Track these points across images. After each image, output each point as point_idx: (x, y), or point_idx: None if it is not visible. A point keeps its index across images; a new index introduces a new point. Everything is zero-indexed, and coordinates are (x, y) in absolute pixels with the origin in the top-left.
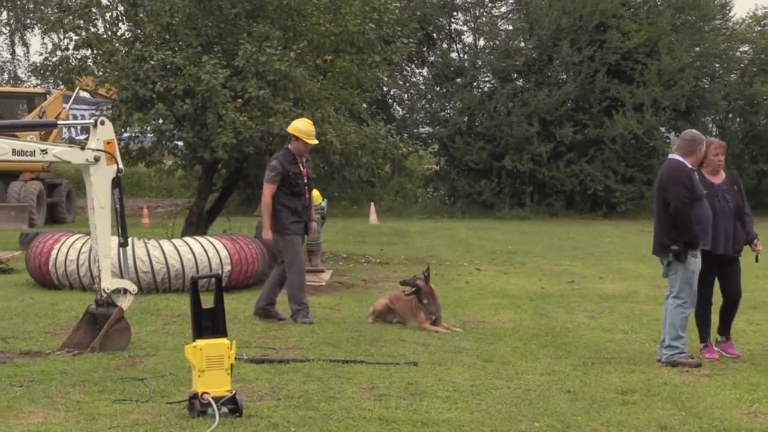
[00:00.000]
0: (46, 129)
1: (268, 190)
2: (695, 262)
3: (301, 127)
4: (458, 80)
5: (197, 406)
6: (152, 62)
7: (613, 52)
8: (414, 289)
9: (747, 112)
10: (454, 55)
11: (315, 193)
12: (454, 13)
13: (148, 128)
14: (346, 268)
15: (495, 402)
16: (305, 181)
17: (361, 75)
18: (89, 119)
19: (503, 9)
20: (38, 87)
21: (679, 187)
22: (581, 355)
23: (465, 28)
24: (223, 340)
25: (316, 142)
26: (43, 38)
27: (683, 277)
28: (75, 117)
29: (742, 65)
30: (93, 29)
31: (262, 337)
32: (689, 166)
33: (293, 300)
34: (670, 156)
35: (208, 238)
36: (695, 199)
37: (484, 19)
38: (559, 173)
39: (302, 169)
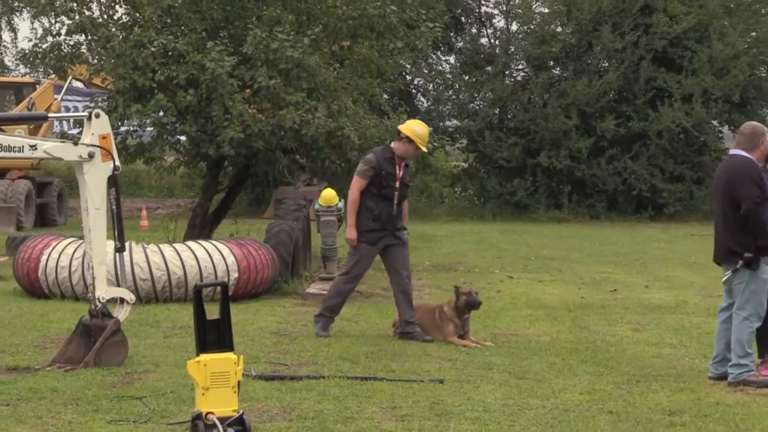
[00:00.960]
0: (35, 122)
1: (356, 185)
2: (767, 270)
3: (419, 130)
4: (489, 69)
5: (201, 427)
6: (152, 49)
7: (659, 38)
8: (470, 292)
9: None
10: (484, 40)
11: (331, 193)
12: None
13: (148, 121)
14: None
15: (529, 423)
16: (397, 185)
17: (382, 63)
18: (83, 111)
19: None
20: (27, 76)
21: (752, 185)
22: (624, 372)
23: (496, 11)
24: (230, 355)
25: (426, 150)
26: (32, 23)
27: (752, 287)
28: (67, 109)
29: None
30: (87, 12)
31: (273, 352)
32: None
33: (325, 304)
34: (733, 151)
35: (213, 242)
36: (764, 199)
37: (517, 1)
38: (600, 171)
39: (398, 171)
